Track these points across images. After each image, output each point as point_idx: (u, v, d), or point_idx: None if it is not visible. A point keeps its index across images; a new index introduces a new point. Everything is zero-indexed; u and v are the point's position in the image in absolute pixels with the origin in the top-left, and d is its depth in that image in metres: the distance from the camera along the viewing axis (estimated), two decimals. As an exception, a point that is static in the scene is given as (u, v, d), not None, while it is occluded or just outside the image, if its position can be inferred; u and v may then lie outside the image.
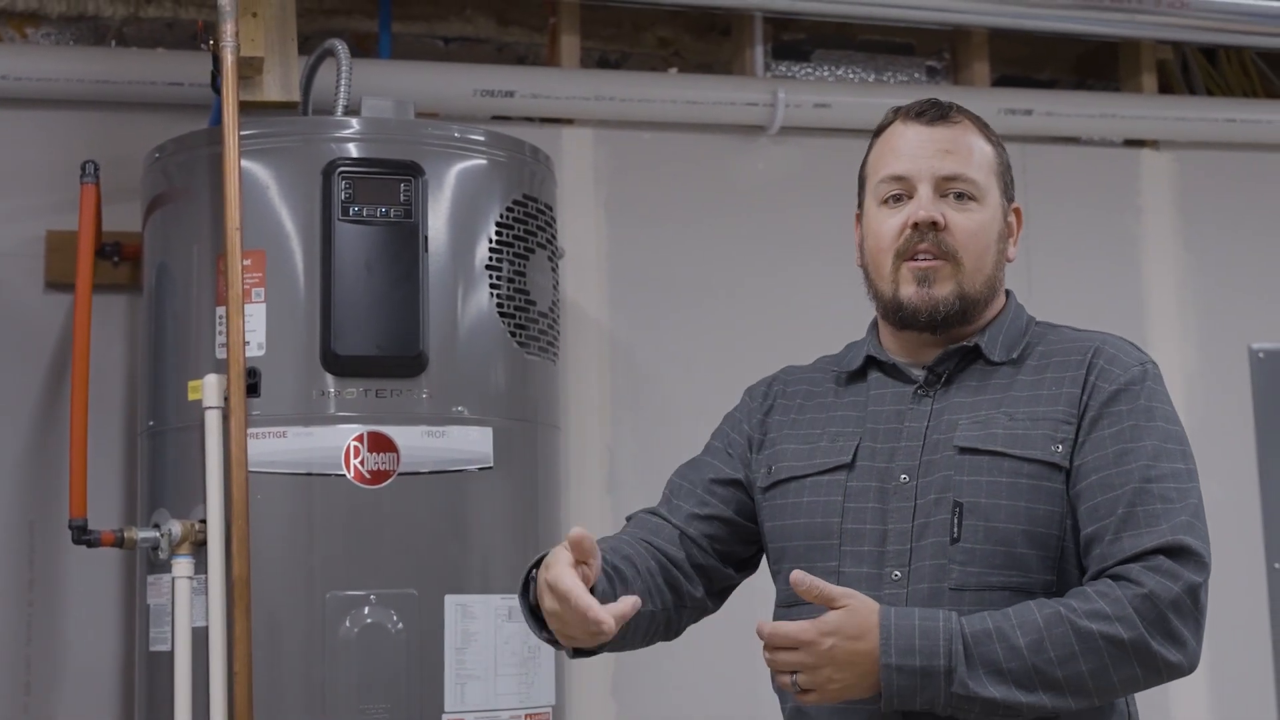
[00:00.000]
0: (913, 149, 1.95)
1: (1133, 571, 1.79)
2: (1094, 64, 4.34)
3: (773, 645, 1.74)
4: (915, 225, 1.92)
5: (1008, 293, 2.03)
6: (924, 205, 1.92)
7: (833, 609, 1.74)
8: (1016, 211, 2.04)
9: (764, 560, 2.09)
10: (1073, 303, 4.00)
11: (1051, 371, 1.93)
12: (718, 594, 2.08)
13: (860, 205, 2.04)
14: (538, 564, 1.84)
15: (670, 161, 3.79)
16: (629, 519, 2.11)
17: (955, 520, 1.85)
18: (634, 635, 1.95)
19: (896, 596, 1.84)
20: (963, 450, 1.88)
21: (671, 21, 4.07)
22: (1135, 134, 4.09)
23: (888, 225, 1.95)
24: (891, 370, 1.99)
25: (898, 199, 1.95)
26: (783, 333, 3.69)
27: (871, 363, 2.01)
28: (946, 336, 1.96)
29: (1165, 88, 4.21)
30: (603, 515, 3.62)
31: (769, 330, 3.72)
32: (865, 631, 1.74)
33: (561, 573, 1.74)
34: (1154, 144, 4.12)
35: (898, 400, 1.96)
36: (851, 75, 4.03)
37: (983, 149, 1.98)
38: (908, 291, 1.93)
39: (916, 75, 4.07)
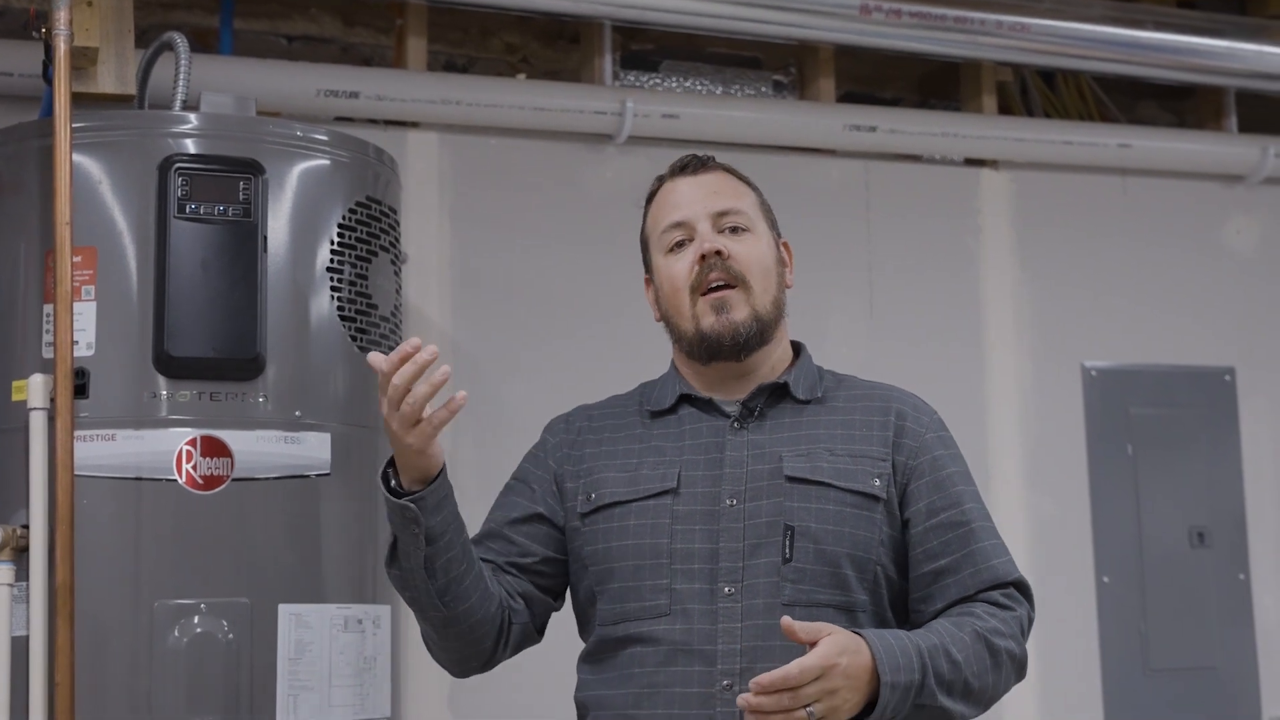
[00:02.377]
0: (686, 198, 2.14)
1: (998, 598, 2.04)
2: (936, 84, 4.41)
3: (802, 682, 1.80)
4: (703, 258, 2.08)
5: (801, 345, 2.22)
6: (708, 238, 2.09)
7: (819, 640, 1.83)
8: (785, 246, 2.22)
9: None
10: (913, 318, 4.06)
11: (860, 415, 2.12)
12: (539, 624, 2.19)
13: (647, 269, 2.21)
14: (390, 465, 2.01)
15: (516, 168, 3.76)
16: None
17: (787, 542, 2.00)
18: (474, 596, 2.05)
19: (732, 610, 1.98)
20: (791, 480, 2.04)
21: (520, 27, 4.05)
22: (975, 153, 4.16)
23: (678, 267, 2.11)
24: (705, 405, 2.13)
25: (681, 244, 2.12)
26: (625, 342, 3.67)
27: (683, 400, 2.15)
28: (748, 366, 2.12)
29: (1005, 109, 4.30)
30: (442, 524, 3.56)
31: (612, 340, 3.71)
32: (859, 647, 1.86)
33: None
34: (993, 163, 4.19)
35: (715, 433, 2.10)
36: (699, 87, 4.04)
37: (744, 189, 2.18)
38: (708, 322, 2.09)
39: (763, 89, 4.10)
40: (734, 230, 2.12)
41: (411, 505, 1.96)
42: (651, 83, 3.98)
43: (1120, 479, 4.15)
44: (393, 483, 2.00)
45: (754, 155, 3.97)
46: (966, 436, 4.01)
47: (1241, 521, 4.25)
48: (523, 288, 3.72)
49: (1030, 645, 3.99)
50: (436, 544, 1.99)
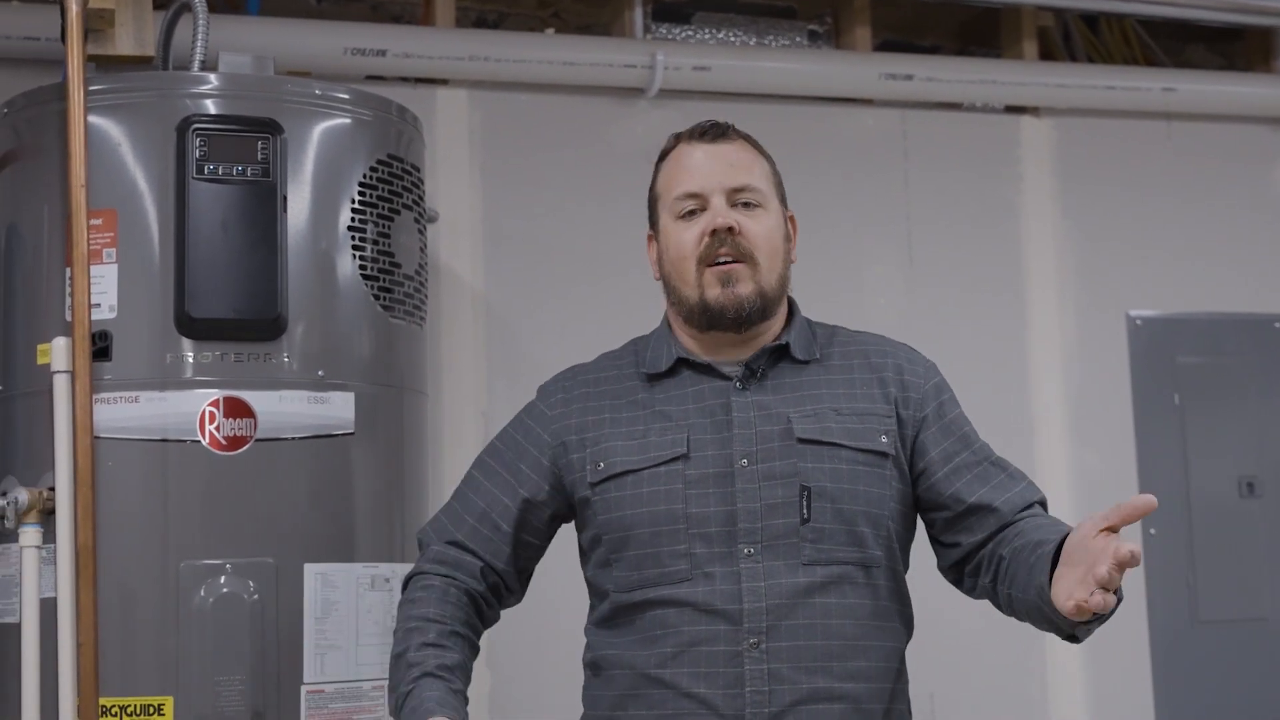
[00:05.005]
0: (701, 166, 2.14)
1: (1039, 512, 2.11)
2: (976, 30, 4.33)
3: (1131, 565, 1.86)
4: (714, 232, 2.10)
5: (793, 300, 2.22)
6: (720, 214, 2.10)
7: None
8: (791, 219, 2.22)
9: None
10: (952, 270, 4.00)
11: (859, 372, 2.16)
12: (523, 589, 2.28)
13: (653, 226, 2.22)
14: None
15: (547, 123, 3.73)
16: (422, 547, 2.25)
17: (804, 502, 2.04)
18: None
19: (754, 570, 2.03)
20: (802, 441, 2.07)
21: (551, -18, 4.01)
22: (1016, 100, 4.09)
23: (687, 236, 2.12)
24: (703, 369, 2.15)
25: (692, 213, 2.13)
26: (656, 298, 3.64)
27: (680, 363, 2.17)
28: (747, 336, 2.14)
29: (1046, 55, 4.22)
30: (477, 483, 3.56)
31: (644, 295, 3.66)
32: None
33: None
34: (1035, 110, 4.12)
35: (718, 395, 2.12)
36: (732, 38, 3.99)
37: (760, 162, 2.18)
38: (713, 293, 2.10)
39: (798, 39, 4.04)
40: (746, 206, 2.13)
41: None
42: (683, 35, 3.94)
43: (1167, 429, 4.08)
44: None
45: (789, 106, 3.92)
46: (1008, 388, 4.00)
47: (1292, 471, 4.17)
48: (554, 244, 3.70)
49: (1075, 598, 3.96)
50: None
